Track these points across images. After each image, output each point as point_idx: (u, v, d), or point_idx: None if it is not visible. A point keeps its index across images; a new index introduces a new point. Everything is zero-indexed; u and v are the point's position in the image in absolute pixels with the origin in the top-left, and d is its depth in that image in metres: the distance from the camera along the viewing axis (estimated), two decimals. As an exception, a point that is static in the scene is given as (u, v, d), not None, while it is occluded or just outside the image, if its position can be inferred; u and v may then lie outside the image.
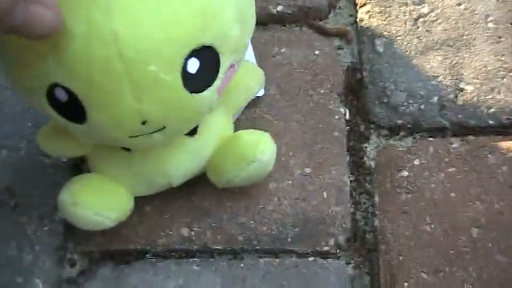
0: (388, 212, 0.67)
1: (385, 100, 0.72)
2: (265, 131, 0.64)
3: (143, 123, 0.48)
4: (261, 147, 0.60)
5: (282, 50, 0.76)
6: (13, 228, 0.69)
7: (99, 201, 0.60)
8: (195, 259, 0.66)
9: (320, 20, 0.78)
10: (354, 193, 0.68)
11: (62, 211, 0.60)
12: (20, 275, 0.67)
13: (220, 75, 0.50)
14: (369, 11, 0.77)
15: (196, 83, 0.48)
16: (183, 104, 0.49)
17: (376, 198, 0.68)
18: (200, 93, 0.49)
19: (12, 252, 0.68)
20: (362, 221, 0.67)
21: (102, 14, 0.42)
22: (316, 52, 0.76)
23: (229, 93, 0.59)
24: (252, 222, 0.66)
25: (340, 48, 0.77)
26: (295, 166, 0.69)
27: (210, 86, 0.50)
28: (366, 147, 0.71)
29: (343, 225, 0.66)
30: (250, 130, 0.64)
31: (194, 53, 0.46)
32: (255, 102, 0.71)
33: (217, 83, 0.50)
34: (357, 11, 0.79)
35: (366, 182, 0.69)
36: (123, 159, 0.61)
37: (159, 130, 0.50)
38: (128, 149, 0.60)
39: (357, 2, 0.79)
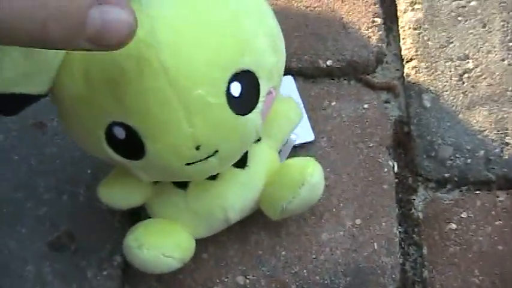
0: (436, 263, 0.69)
1: (433, 154, 0.74)
2: None
3: (197, 148, 0.51)
4: (309, 170, 0.62)
5: (332, 103, 0.78)
6: (74, 271, 0.71)
7: (163, 242, 0.63)
8: (249, 306, 0.68)
9: (368, 74, 0.81)
10: (403, 244, 0.70)
11: (128, 256, 0.63)
12: (80, 317, 0.69)
13: (261, 98, 0.53)
14: (415, 66, 0.80)
15: (240, 105, 0.51)
16: (231, 125, 0.52)
17: (425, 250, 0.70)
18: (246, 116, 0.52)
19: (72, 295, 0.70)
20: (411, 272, 0.69)
21: (150, 47, 0.45)
22: (365, 106, 0.78)
23: (271, 125, 0.64)
24: (305, 271, 0.68)
25: (387, 102, 0.79)
26: (346, 217, 0.71)
27: (253, 108, 0.53)
28: (414, 199, 0.73)
29: (393, 276, 0.68)
30: (297, 158, 0.67)
31: (235, 77, 0.49)
32: (306, 154, 0.73)
33: (259, 105, 0.54)
34: (403, 66, 0.81)
35: (414, 234, 0.71)
36: (180, 198, 0.64)
37: (213, 155, 0.53)
38: (184, 188, 0.63)
39: (403, 57, 0.82)
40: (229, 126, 0.52)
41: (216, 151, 0.53)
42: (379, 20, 0.84)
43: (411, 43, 0.82)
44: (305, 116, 0.76)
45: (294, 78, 0.79)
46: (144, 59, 0.46)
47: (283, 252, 0.70)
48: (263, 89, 0.53)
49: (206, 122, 0.50)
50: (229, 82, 0.50)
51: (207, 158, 0.53)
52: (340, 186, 0.73)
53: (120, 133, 0.50)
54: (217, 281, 0.69)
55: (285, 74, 0.76)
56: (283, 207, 0.63)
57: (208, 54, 0.48)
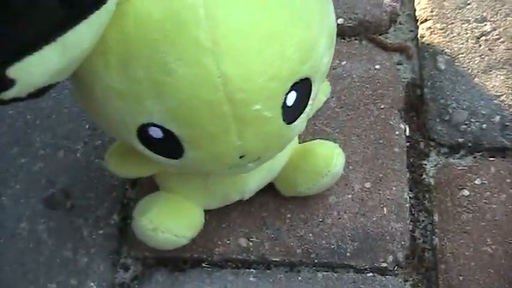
0: (448, 231, 0.66)
1: (446, 118, 0.71)
2: None
3: (241, 157, 0.47)
4: (334, 161, 0.61)
5: (343, 63, 0.75)
6: (69, 229, 0.69)
7: (177, 224, 0.61)
8: (251, 270, 0.65)
9: (380, 35, 0.78)
10: (413, 210, 0.68)
11: (141, 235, 0.60)
12: (75, 277, 0.66)
13: (311, 101, 0.49)
14: (430, 27, 0.77)
15: (292, 114, 0.47)
16: (279, 135, 0.48)
17: (436, 217, 0.67)
18: (294, 123, 0.48)
19: (68, 254, 0.67)
20: (421, 239, 0.66)
21: (210, 55, 0.39)
22: (377, 66, 0.75)
23: None
24: (310, 235, 0.66)
25: (400, 63, 0.76)
26: (355, 180, 0.68)
27: (302, 113, 0.49)
28: (425, 164, 0.70)
29: (402, 243, 0.65)
30: (321, 141, 0.64)
31: (293, 87, 0.44)
32: (315, 114, 0.70)
33: (307, 109, 0.49)
34: (417, 27, 0.78)
35: (425, 200, 0.68)
36: (199, 180, 0.60)
37: (254, 161, 0.50)
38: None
39: (417, 18, 0.78)
40: (277, 136, 0.48)
41: (259, 158, 0.49)
42: (393, -22, 0.80)
43: (426, 3, 0.79)
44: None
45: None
46: (203, 66, 0.39)
47: (288, 215, 0.67)
48: (314, 92, 0.48)
49: (257, 135, 0.45)
50: (287, 93, 0.44)
51: (247, 163, 0.50)
52: (349, 148, 0.70)
53: (156, 133, 0.44)
54: (219, 242, 0.66)
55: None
56: (301, 191, 0.63)
57: (272, 68, 0.42)
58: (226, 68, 0.40)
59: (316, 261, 0.65)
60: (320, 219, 0.66)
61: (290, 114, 0.46)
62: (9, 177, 0.72)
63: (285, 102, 0.44)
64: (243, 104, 0.42)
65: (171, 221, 0.60)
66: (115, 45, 0.40)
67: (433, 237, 0.66)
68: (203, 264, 0.66)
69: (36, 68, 0.36)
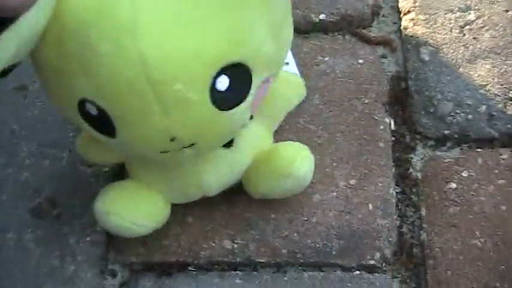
0: (435, 225, 0.65)
1: (432, 110, 0.70)
2: (309, 141, 0.63)
3: (172, 139, 0.47)
4: (296, 164, 0.59)
5: (326, 59, 0.74)
6: (56, 237, 0.69)
7: (132, 210, 0.60)
8: (237, 272, 0.65)
9: (363, 28, 0.77)
10: (399, 205, 0.67)
11: (97, 220, 0.61)
12: (62, 284, 0.66)
13: (252, 91, 0.49)
14: (413, 19, 0.76)
15: (226, 100, 0.47)
16: (212, 121, 0.47)
17: (423, 211, 0.66)
18: (231, 110, 0.48)
19: (55, 262, 0.67)
20: (408, 234, 0.66)
21: (128, 34, 0.41)
22: (360, 61, 0.74)
23: (267, 104, 0.57)
24: (295, 234, 0.65)
25: (384, 56, 0.75)
26: (340, 177, 0.67)
27: (241, 102, 0.48)
28: (411, 158, 0.69)
29: (389, 239, 0.65)
30: (289, 143, 0.63)
31: (223, 71, 0.44)
32: (298, 112, 0.70)
33: (249, 99, 0.49)
34: (400, 19, 0.77)
35: (412, 194, 0.67)
36: (158, 167, 0.60)
37: (189, 146, 0.49)
38: None
39: (400, 10, 0.77)
40: (209, 121, 0.47)
41: (193, 144, 0.49)
42: (375, -29, 0.79)
43: (409, -6, 0.77)
44: (297, 71, 0.72)
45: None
46: (121, 45, 0.42)
47: (272, 215, 0.66)
48: (256, 81, 0.48)
49: (183, 117, 0.46)
50: (216, 77, 0.45)
51: (182, 148, 0.49)
52: (334, 145, 0.69)
53: (92, 110, 0.46)
54: (204, 245, 0.66)
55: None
56: (264, 193, 0.62)
57: (194, 47, 0.43)
58: (143, 46, 0.41)
59: (302, 261, 0.64)
60: (305, 218, 0.66)
61: (223, 100, 0.46)
62: (-4, 188, 0.72)
63: (214, 86, 0.45)
64: (161, 82, 0.43)
65: (125, 206, 0.60)
66: (53, 23, 0.43)
67: (421, 232, 0.65)
68: (189, 268, 0.66)
69: None
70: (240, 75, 0.46)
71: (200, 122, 0.47)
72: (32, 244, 0.69)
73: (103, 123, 0.47)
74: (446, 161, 0.68)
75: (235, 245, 0.65)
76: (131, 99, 0.44)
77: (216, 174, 0.60)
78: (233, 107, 0.48)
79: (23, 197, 0.72)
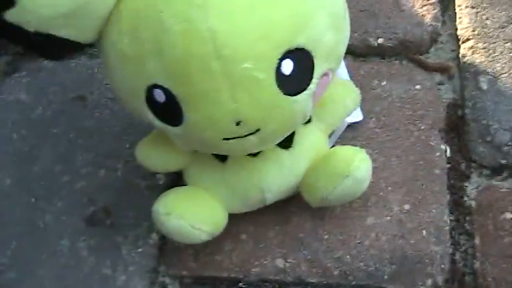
0: (489, 255, 0.64)
1: (488, 139, 0.70)
2: None
3: (238, 123, 0.48)
4: (356, 163, 0.58)
5: (383, 83, 0.75)
6: (109, 247, 0.70)
7: (193, 213, 0.60)
8: (288, 291, 0.65)
9: (421, 54, 0.77)
10: (453, 233, 0.66)
11: (156, 222, 0.60)
12: (113, 294, 0.67)
13: (315, 79, 0.50)
14: (472, 47, 0.76)
15: (291, 85, 0.48)
16: (277, 105, 0.48)
17: (477, 240, 0.65)
18: (295, 96, 0.49)
19: (107, 271, 0.68)
20: (461, 263, 0.65)
21: (199, 12, 0.43)
22: (417, 87, 0.74)
23: (325, 108, 0.60)
24: (348, 256, 0.65)
25: (441, 83, 0.75)
26: (394, 202, 0.67)
27: (305, 89, 0.49)
28: (466, 186, 0.69)
29: (442, 266, 0.64)
30: (347, 146, 0.63)
31: (288, 54, 0.46)
32: (354, 135, 0.70)
33: (311, 87, 0.50)
34: (459, 46, 0.77)
35: (465, 222, 0.67)
36: (217, 170, 0.61)
37: (254, 133, 0.50)
38: (223, 160, 0.60)
39: (459, 37, 0.77)
40: (275, 105, 0.48)
41: (258, 130, 0.49)
42: (434, -2, 0.80)
43: (468, 22, 0.77)
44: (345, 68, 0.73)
45: (344, 57, 0.75)
46: (192, 21, 0.43)
47: (325, 236, 0.66)
48: (318, 70, 0.49)
49: (251, 98, 0.47)
50: (281, 59, 0.46)
51: (247, 135, 0.50)
52: (389, 169, 0.69)
53: (160, 96, 0.48)
54: (256, 263, 0.66)
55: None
56: (323, 197, 0.61)
57: (262, 26, 0.45)
58: (213, 23, 0.43)
59: (353, 283, 0.64)
60: (358, 241, 0.66)
61: (288, 84, 0.47)
62: (53, 195, 0.74)
63: (279, 69, 0.46)
64: (230, 60, 0.44)
65: (186, 208, 0.59)
66: (127, 13, 0.46)
67: (474, 261, 0.64)
68: (240, 284, 0.66)
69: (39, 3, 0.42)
70: (303, 61, 0.48)
71: (265, 104, 0.48)
72: (85, 252, 0.70)
73: (170, 109, 0.48)
74: (501, 190, 0.68)
75: (287, 264, 0.65)
76: (201, 77, 0.45)
77: (275, 175, 0.60)
78: (297, 93, 0.49)
79: (78, 205, 0.73)
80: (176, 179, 0.67)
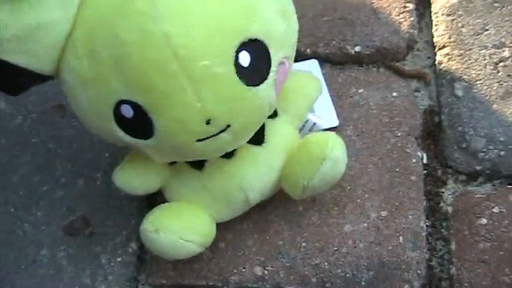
0: (465, 260, 0.65)
1: (464, 145, 0.71)
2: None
3: (207, 122, 0.49)
4: (330, 144, 0.59)
5: (360, 91, 0.75)
6: (88, 257, 0.70)
7: (182, 226, 0.60)
8: (267, 298, 0.65)
9: (398, 62, 0.78)
10: (430, 238, 0.67)
11: (145, 241, 0.60)
12: (92, 304, 0.67)
13: (273, 68, 0.51)
14: (448, 54, 0.77)
15: (251, 76, 0.49)
16: (241, 97, 0.50)
17: (453, 245, 0.66)
18: (257, 87, 0.50)
19: (86, 281, 0.68)
20: (438, 268, 0.66)
21: (151, 19, 0.44)
22: (394, 94, 0.75)
23: (289, 100, 0.62)
24: (326, 263, 0.66)
25: (417, 90, 0.76)
26: (371, 209, 0.68)
27: (265, 79, 0.51)
28: (443, 192, 0.70)
29: (419, 271, 0.65)
30: (317, 132, 0.64)
31: (243, 46, 0.47)
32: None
33: (271, 75, 0.51)
34: (435, 54, 0.78)
35: (442, 228, 0.68)
36: (196, 179, 0.61)
37: (225, 129, 0.51)
38: (200, 168, 0.60)
39: (435, 45, 0.78)
40: (240, 98, 0.50)
41: (228, 126, 0.50)
42: (411, 6, 0.81)
43: (444, 30, 0.78)
44: (330, 101, 0.73)
45: (320, 64, 0.76)
46: (146, 30, 0.45)
47: (303, 243, 0.67)
48: (274, 59, 0.51)
49: (215, 95, 0.48)
50: (237, 52, 0.48)
51: (219, 133, 0.51)
52: (366, 176, 0.70)
53: (127, 111, 0.48)
54: (234, 271, 0.66)
55: (311, 58, 0.74)
56: (304, 185, 0.60)
57: (212, 23, 0.46)
58: (166, 27, 0.44)
59: (331, 290, 0.64)
60: (335, 248, 0.66)
61: (248, 75, 0.49)
62: (31, 205, 0.74)
63: (237, 61, 0.47)
64: (188, 60, 0.45)
65: (174, 222, 0.60)
66: (82, 36, 0.47)
67: (450, 266, 0.65)
68: (219, 292, 0.66)
69: None
70: (259, 51, 0.49)
71: (230, 98, 0.49)
72: (64, 261, 0.70)
73: (139, 123, 0.49)
74: (477, 196, 0.68)
75: (266, 272, 0.66)
76: (162, 81, 0.46)
77: (254, 173, 0.60)
78: (259, 84, 0.50)
79: (57, 214, 0.73)
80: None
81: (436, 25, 0.79)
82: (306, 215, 0.68)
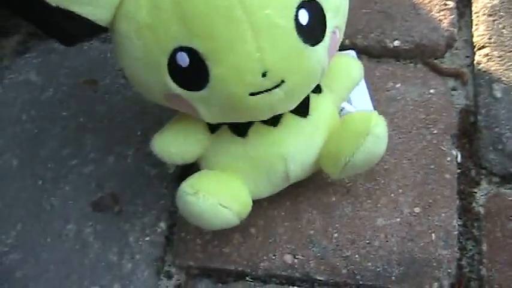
0: (496, 261, 0.65)
1: (500, 147, 0.70)
2: (376, 165, 0.65)
3: (264, 75, 0.49)
4: (373, 121, 0.59)
5: (397, 85, 0.75)
6: (116, 234, 0.69)
7: (221, 190, 0.58)
8: (295, 287, 0.65)
9: (436, 59, 0.77)
10: (461, 238, 0.67)
11: (182, 204, 0.58)
12: (118, 281, 0.67)
13: (328, 33, 0.52)
14: (487, 54, 0.76)
15: (308, 34, 0.50)
16: (299, 53, 0.50)
17: (484, 246, 0.66)
18: (313, 47, 0.51)
19: (113, 258, 0.68)
20: (467, 268, 0.65)
21: None
22: (431, 91, 0.75)
23: (334, 79, 0.62)
24: (357, 256, 0.65)
25: (454, 89, 0.75)
26: (404, 204, 0.67)
27: (321, 41, 0.52)
28: (476, 192, 0.69)
29: (449, 270, 0.64)
30: (359, 111, 0.65)
31: (303, 5, 0.49)
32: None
33: (326, 39, 0.52)
34: (474, 53, 0.77)
35: (473, 228, 0.67)
36: (238, 146, 0.60)
37: (279, 85, 0.51)
38: (244, 135, 0.59)
39: (475, 44, 0.78)
40: (297, 54, 0.50)
41: (283, 81, 0.50)
42: (451, 3, 0.80)
43: (484, 30, 0.78)
44: (366, 92, 0.73)
45: (358, 56, 0.76)
46: None
47: (335, 234, 0.66)
48: (329, 24, 0.52)
49: (274, 46, 0.48)
50: (298, 8, 0.48)
51: (272, 88, 0.51)
52: (400, 171, 0.69)
53: (183, 60, 0.49)
54: (264, 257, 0.66)
55: (349, 49, 0.74)
56: (346, 160, 0.59)
57: None
58: None
59: (361, 282, 0.64)
60: (367, 241, 0.66)
61: (306, 33, 0.49)
62: (60, 179, 0.73)
63: (297, 18, 0.48)
64: (253, 7, 0.46)
65: (213, 186, 0.58)
66: None
67: (481, 267, 0.65)
68: (247, 278, 0.66)
69: None
70: (316, 12, 0.50)
71: (288, 52, 0.49)
72: (91, 237, 0.70)
73: (194, 71, 0.49)
74: (510, 199, 0.68)
75: (296, 260, 0.65)
76: (226, 27, 0.47)
77: (297, 143, 0.60)
78: (315, 44, 0.51)
79: (86, 189, 0.72)
80: (186, 169, 0.67)
81: (476, 25, 0.79)
82: (339, 206, 0.67)
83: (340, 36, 0.56)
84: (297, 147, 0.60)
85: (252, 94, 0.50)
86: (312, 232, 0.67)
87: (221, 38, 0.47)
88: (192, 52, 0.48)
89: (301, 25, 0.49)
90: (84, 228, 0.70)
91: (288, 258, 0.66)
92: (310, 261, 0.65)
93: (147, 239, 0.69)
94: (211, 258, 0.67)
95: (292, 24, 0.48)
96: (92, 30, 0.50)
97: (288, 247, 0.66)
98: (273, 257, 0.66)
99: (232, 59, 0.48)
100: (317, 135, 0.61)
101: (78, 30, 0.52)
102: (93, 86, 0.79)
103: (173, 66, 0.49)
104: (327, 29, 0.52)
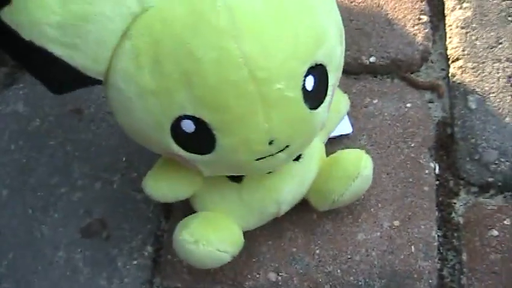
0: (476, 270, 0.66)
1: (476, 157, 0.72)
2: None
3: (270, 143, 0.49)
4: (363, 163, 0.62)
5: (374, 101, 0.76)
6: (104, 259, 0.71)
7: (218, 237, 0.60)
8: (280, 304, 0.66)
9: (412, 73, 0.79)
10: (441, 249, 0.68)
11: (181, 251, 0.60)
12: (108, 306, 0.68)
13: (329, 92, 0.52)
14: (461, 66, 0.78)
15: (313, 99, 0.49)
16: (304, 120, 0.50)
17: (464, 256, 0.67)
18: (316, 110, 0.51)
19: (102, 283, 0.70)
20: (449, 278, 0.67)
21: (231, 38, 0.43)
22: (408, 105, 0.76)
23: None
24: (339, 271, 0.67)
25: (431, 101, 0.77)
26: (384, 218, 0.69)
27: (322, 102, 0.51)
28: (454, 203, 0.71)
29: (430, 281, 0.66)
30: (348, 149, 0.66)
31: (310, 70, 0.47)
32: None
33: (327, 99, 0.52)
34: (449, 66, 0.79)
35: (453, 238, 0.69)
36: (233, 192, 0.62)
37: (283, 149, 0.51)
38: (239, 181, 0.61)
39: (449, 57, 0.79)
40: (302, 121, 0.50)
41: (287, 146, 0.51)
42: (425, 18, 0.82)
43: (458, 42, 0.79)
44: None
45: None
46: (225, 49, 0.43)
47: (317, 251, 0.68)
48: (331, 82, 0.52)
49: (282, 117, 0.48)
50: (305, 76, 0.48)
51: (277, 153, 0.51)
52: (379, 186, 0.71)
53: (188, 127, 0.47)
54: (249, 276, 0.68)
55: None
56: (334, 199, 0.63)
57: (289, 46, 0.46)
58: (246, 48, 0.43)
59: (344, 297, 0.65)
60: (348, 256, 0.67)
61: (311, 99, 0.49)
62: (49, 206, 0.75)
63: (304, 86, 0.47)
64: (265, 82, 0.45)
65: (212, 234, 0.60)
66: (145, 47, 0.44)
67: (461, 276, 0.66)
68: (233, 297, 0.67)
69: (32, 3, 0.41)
70: (321, 76, 0.50)
71: (295, 121, 0.49)
72: (81, 263, 0.71)
73: (199, 139, 0.48)
74: (488, 208, 0.70)
75: (279, 278, 0.67)
76: (238, 102, 0.45)
77: (290, 188, 0.62)
78: (317, 107, 0.50)
79: (74, 216, 0.74)
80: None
81: (450, 37, 0.81)
82: (320, 223, 0.69)
83: (335, 87, 0.55)
84: (290, 189, 0.62)
85: (257, 159, 0.51)
86: (294, 249, 0.68)
87: (232, 111, 0.46)
88: (198, 121, 0.46)
89: (307, 91, 0.48)
90: (74, 255, 0.72)
91: (272, 276, 0.67)
92: (294, 278, 0.67)
93: (135, 262, 0.70)
94: (198, 280, 0.68)
95: (300, 94, 0.47)
96: (81, 78, 0.46)
97: (271, 265, 0.68)
98: (257, 276, 0.67)
99: (242, 131, 0.47)
100: (308, 175, 0.63)
101: (64, 76, 0.46)
102: (78, 115, 0.80)
103: (177, 131, 0.48)
104: (329, 88, 0.51)
